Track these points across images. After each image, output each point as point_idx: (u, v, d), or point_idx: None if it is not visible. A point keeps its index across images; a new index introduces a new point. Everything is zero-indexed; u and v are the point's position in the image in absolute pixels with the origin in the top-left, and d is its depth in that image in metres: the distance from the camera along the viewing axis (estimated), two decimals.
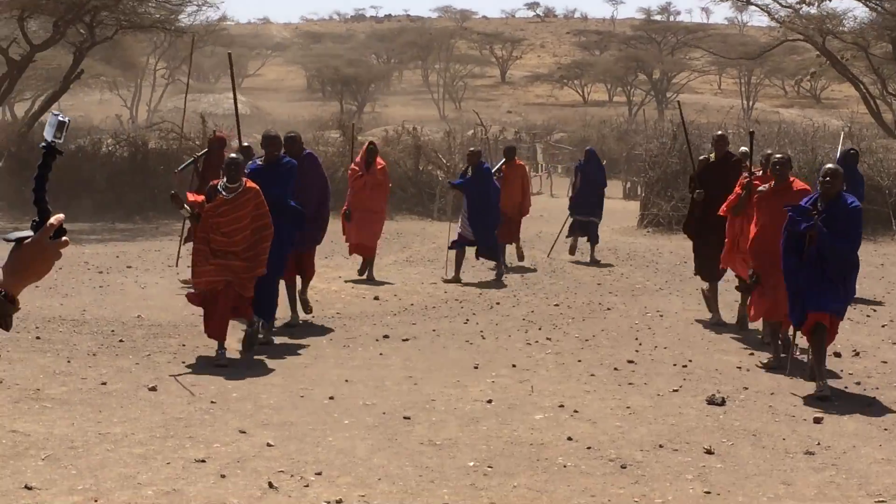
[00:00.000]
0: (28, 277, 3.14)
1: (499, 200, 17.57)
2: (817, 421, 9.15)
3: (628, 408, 9.50)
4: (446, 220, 27.67)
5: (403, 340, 12.32)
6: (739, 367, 11.24)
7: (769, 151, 13.30)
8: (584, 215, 20.15)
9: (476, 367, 10.99)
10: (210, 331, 11.00)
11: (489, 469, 7.71)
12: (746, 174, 12.49)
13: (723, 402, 9.67)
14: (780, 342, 11.45)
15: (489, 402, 9.60)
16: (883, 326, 13.67)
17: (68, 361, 10.64)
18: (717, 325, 13.46)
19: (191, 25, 44.35)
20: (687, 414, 9.34)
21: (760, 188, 11.56)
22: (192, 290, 11.33)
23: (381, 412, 9.19)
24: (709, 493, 7.30)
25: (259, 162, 12.30)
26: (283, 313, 12.99)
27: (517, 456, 8.04)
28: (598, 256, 20.12)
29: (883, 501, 7.17)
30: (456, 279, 16.99)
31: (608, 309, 14.67)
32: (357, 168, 17.40)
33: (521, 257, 19.35)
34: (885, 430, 9.00)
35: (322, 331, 12.88)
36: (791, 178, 11.52)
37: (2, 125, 30.82)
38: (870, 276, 17.19)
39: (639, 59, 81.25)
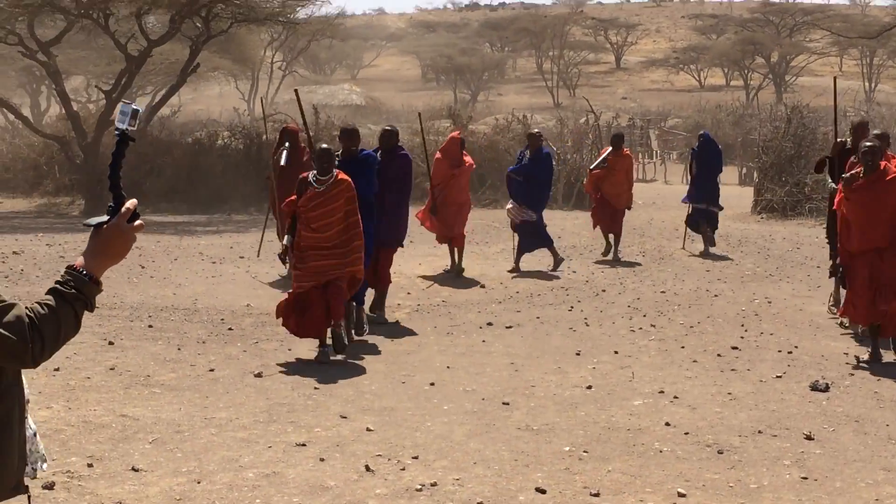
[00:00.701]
0: (109, 260, 3.31)
1: (548, 187, 17.29)
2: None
3: (729, 394, 9.45)
4: (556, 207, 27.71)
5: (507, 328, 12.40)
6: (846, 354, 11.08)
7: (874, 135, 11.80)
8: (703, 203, 19.15)
9: (578, 354, 11.02)
10: (304, 332, 10.72)
11: (585, 454, 7.76)
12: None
13: (826, 389, 9.56)
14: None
15: (589, 387, 9.63)
16: None
17: (178, 349, 10.94)
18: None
19: (309, 18, 45.05)
20: (789, 400, 9.26)
21: (845, 176, 10.83)
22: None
23: (480, 398, 9.28)
24: (806, 478, 7.25)
25: (336, 153, 11.82)
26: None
27: (613, 441, 8.07)
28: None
29: None
30: (516, 268, 16.71)
31: (715, 296, 14.56)
32: (442, 159, 16.53)
33: (615, 247, 18.36)
34: None
35: (427, 319, 13.01)
36: (883, 165, 10.60)
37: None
38: None
39: (756, 42, 79.95)
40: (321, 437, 8.10)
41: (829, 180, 12.71)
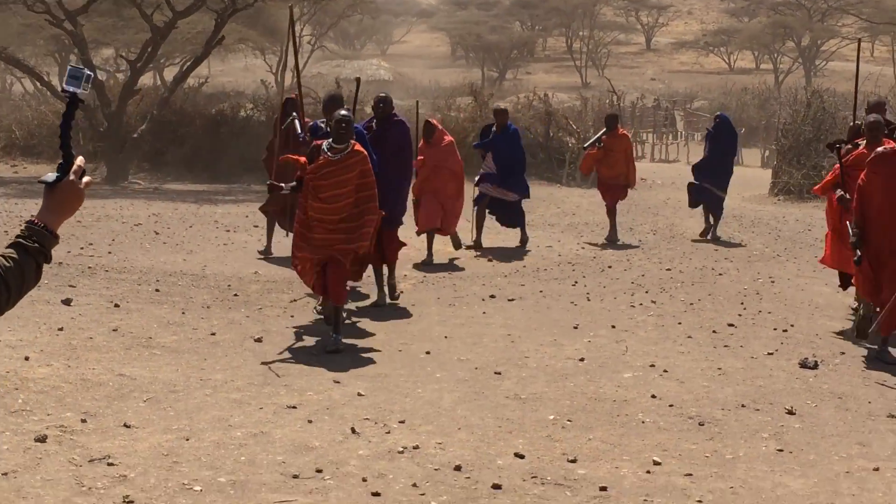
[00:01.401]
0: (63, 215, 3.48)
1: (524, 167, 16.92)
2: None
3: (719, 369, 9.59)
4: (575, 185, 27.84)
5: (509, 300, 12.55)
6: (841, 333, 11.20)
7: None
8: (709, 183, 18.43)
9: (576, 328, 11.17)
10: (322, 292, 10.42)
11: (568, 422, 7.92)
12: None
13: (815, 366, 9.69)
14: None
15: (581, 360, 9.79)
16: None
17: (183, 313, 11.16)
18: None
19: None
20: (777, 376, 9.39)
21: (879, 150, 10.30)
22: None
23: (473, 367, 9.46)
24: (781, 450, 7.40)
25: (322, 124, 11.59)
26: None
27: (598, 411, 8.23)
28: (720, 232, 18.59)
29: None
30: (478, 243, 16.38)
31: (720, 274, 14.66)
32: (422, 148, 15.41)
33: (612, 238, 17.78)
34: None
35: (432, 290, 13.19)
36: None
37: (147, 90, 31.80)
38: None
39: (787, 26, 79.44)
40: (312, 400, 8.29)
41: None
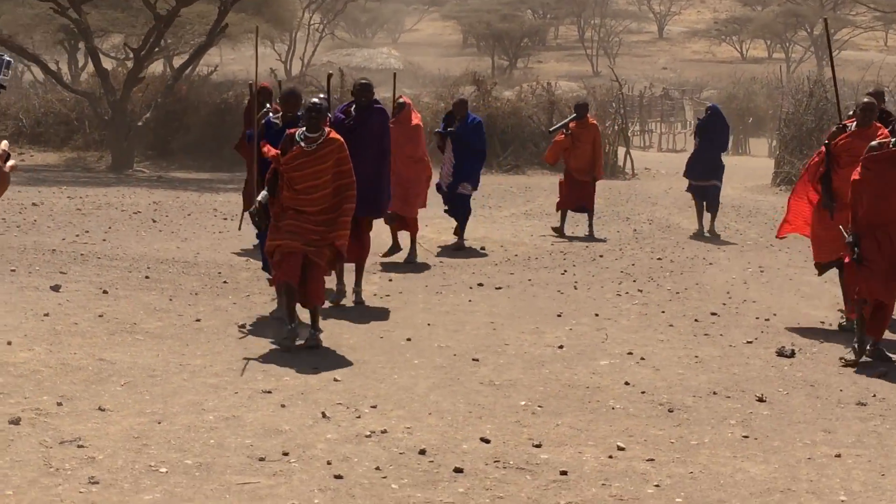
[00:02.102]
0: None
1: (484, 158, 16.18)
2: (881, 375, 9.18)
3: (696, 357, 9.68)
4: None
5: (496, 289, 12.65)
6: (822, 322, 11.27)
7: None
8: (702, 179, 17.87)
9: (559, 316, 11.26)
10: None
11: (539, 408, 8.02)
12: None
13: (792, 355, 9.77)
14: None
15: (560, 347, 9.89)
16: None
17: (170, 300, 11.29)
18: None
19: None
20: (752, 364, 9.48)
21: (873, 144, 9.76)
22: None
23: (452, 354, 9.56)
24: (747, 437, 7.49)
25: (275, 120, 10.91)
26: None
27: (570, 398, 8.33)
28: (720, 227, 17.98)
29: None
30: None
31: (710, 264, 14.75)
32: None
33: (591, 229, 17.36)
34: None
35: (421, 278, 13.29)
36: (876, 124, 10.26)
37: (152, 78, 31.95)
38: None
39: (799, 15, 79.22)
40: (288, 385, 8.41)
41: None
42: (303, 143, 9.71)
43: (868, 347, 9.64)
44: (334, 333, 10.23)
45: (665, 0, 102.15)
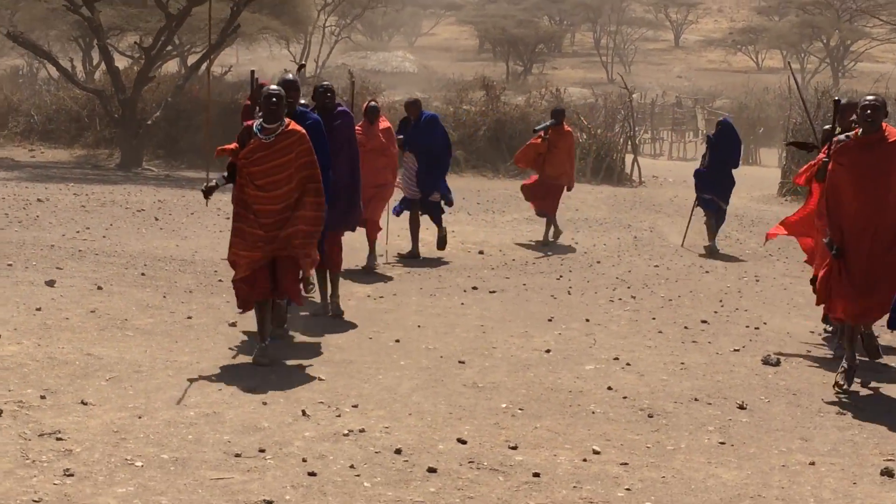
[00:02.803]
0: None
1: (449, 153, 15.46)
2: (864, 385, 9.21)
3: (682, 363, 9.71)
4: (585, 181, 27.94)
5: (490, 292, 12.71)
6: (812, 332, 11.29)
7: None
8: (710, 193, 17.07)
9: (550, 320, 11.31)
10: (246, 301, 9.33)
11: (519, 411, 8.07)
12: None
13: (777, 363, 9.80)
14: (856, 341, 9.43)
15: (547, 351, 9.94)
16: None
17: (164, 297, 11.37)
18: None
19: None
20: (737, 372, 9.51)
21: (839, 138, 9.31)
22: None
23: (439, 356, 9.62)
24: (723, 443, 7.53)
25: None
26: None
27: (551, 401, 8.38)
28: (719, 244, 17.09)
29: (892, 460, 7.28)
30: (414, 253, 15.05)
31: (706, 272, 14.78)
32: (360, 131, 13.30)
33: (557, 235, 17.10)
34: None
35: (416, 280, 13.36)
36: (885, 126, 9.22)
37: (163, 77, 32.13)
38: None
39: (815, 26, 79.10)
40: (272, 383, 8.48)
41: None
42: (260, 136, 9.00)
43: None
44: (324, 333, 10.30)
45: (682, 9, 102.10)
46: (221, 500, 6.04)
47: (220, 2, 31.71)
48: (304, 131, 9.16)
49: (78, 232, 15.15)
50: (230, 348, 9.51)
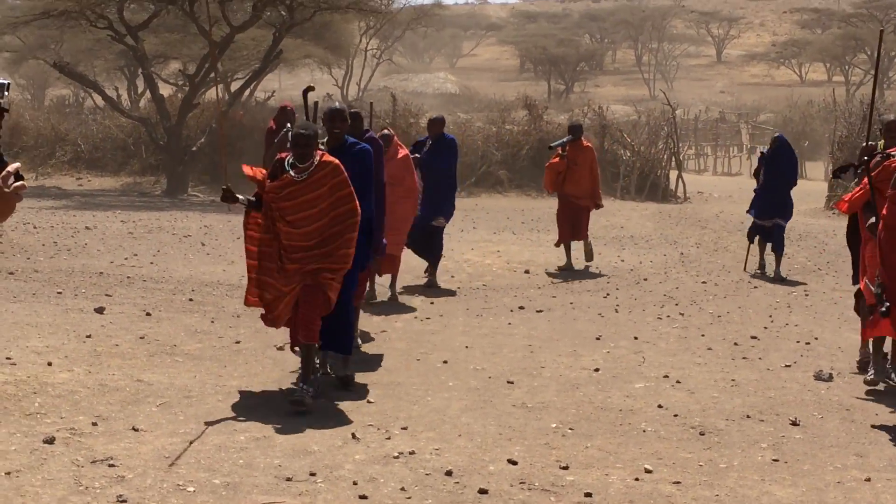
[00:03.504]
0: None
1: (455, 185, 14.61)
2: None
3: (733, 380, 9.63)
4: (629, 198, 27.87)
5: (537, 312, 12.68)
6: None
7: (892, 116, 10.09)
8: (767, 218, 15.91)
9: (598, 339, 11.26)
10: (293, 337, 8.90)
11: (570, 431, 8.03)
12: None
13: (830, 378, 9.70)
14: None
15: (596, 370, 9.88)
16: None
17: (212, 322, 11.42)
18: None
19: (403, 7, 45.48)
20: (789, 388, 9.42)
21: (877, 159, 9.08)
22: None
23: (487, 376, 9.59)
24: (777, 460, 7.45)
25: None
26: None
27: (602, 420, 8.33)
28: (784, 271, 16.00)
29: None
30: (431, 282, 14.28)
31: (755, 287, 14.69)
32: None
33: (589, 256, 16.28)
34: None
35: (463, 301, 13.35)
36: None
37: (207, 104, 32.41)
38: None
39: (858, 38, 78.59)
40: (321, 406, 8.48)
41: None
42: (292, 173, 8.50)
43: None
44: (371, 356, 10.31)
45: (723, 23, 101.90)
46: None
47: (263, 29, 32.02)
48: (337, 162, 8.53)
49: (126, 259, 15.27)
50: (281, 378, 9.51)
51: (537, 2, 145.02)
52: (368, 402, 8.65)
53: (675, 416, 8.47)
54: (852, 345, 11.20)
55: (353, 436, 7.68)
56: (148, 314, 11.55)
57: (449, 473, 6.94)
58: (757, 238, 16.14)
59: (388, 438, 7.70)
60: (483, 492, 6.65)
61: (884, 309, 8.58)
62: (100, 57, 42.88)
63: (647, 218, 23.40)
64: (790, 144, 16.67)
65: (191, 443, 7.40)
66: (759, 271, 15.87)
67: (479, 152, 28.96)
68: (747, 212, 16.70)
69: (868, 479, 7.07)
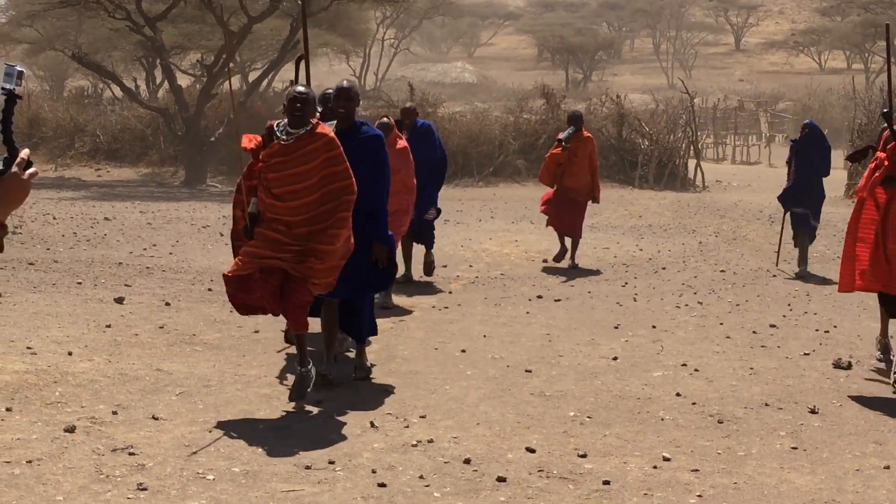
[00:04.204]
0: (10, 206, 3.64)
1: (445, 165, 13.86)
2: None
3: (751, 368, 9.62)
4: (647, 187, 27.81)
5: (555, 301, 12.68)
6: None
7: None
8: (800, 206, 15.24)
9: (616, 328, 11.26)
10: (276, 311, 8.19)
11: (588, 419, 8.04)
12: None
13: (849, 367, 9.68)
14: None
15: (615, 359, 9.89)
16: None
17: (231, 311, 11.37)
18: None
19: None
20: (808, 376, 9.41)
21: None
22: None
23: (505, 365, 9.60)
24: (795, 448, 7.44)
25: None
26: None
27: (620, 409, 8.33)
28: (811, 266, 15.34)
29: None
30: (406, 276, 13.50)
31: (773, 276, 14.66)
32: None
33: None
34: None
35: (481, 290, 13.36)
36: None
37: (225, 94, 32.49)
38: None
39: (878, 25, 78.04)
40: (339, 396, 8.51)
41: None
42: (282, 137, 7.93)
43: None
44: (390, 345, 10.34)
45: (742, 11, 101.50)
46: None
47: (280, 19, 32.07)
48: (333, 136, 7.99)
49: (145, 249, 15.33)
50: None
51: None
52: (387, 390, 8.67)
53: (693, 404, 8.46)
54: (871, 333, 11.16)
55: (372, 424, 7.70)
56: (167, 304, 11.60)
57: (467, 462, 6.96)
58: (797, 234, 15.26)
59: (407, 427, 7.72)
60: (501, 480, 6.66)
61: None
62: (118, 48, 42.99)
63: (666, 207, 23.35)
64: (821, 130, 15.68)
65: (210, 431, 7.44)
66: (801, 270, 14.99)
67: (496, 142, 28.95)
68: (780, 199, 15.60)
69: (887, 467, 7.05)
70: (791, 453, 7.35)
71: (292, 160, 7.87)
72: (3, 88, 3.62)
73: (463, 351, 10.09)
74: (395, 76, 64.12)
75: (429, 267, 13.72)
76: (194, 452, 6.97)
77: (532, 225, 19.62)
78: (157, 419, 7.66)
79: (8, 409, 7.67)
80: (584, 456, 7.16)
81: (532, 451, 7.23)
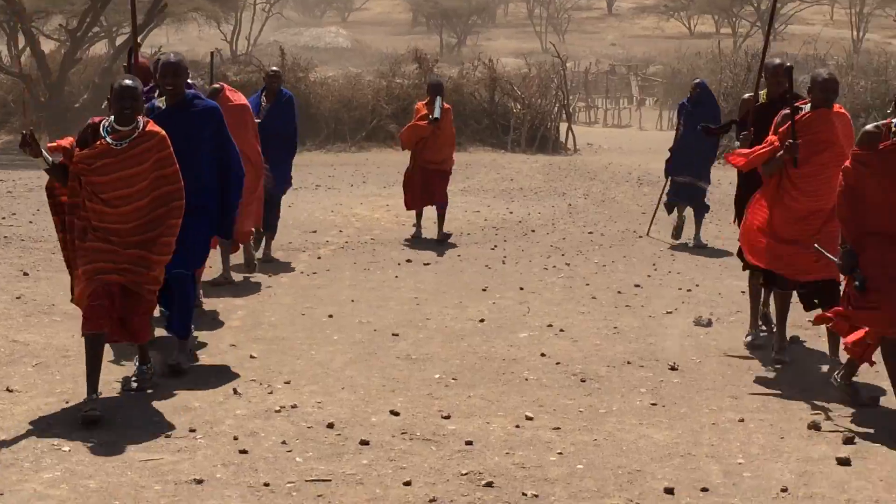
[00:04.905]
0: None
1: (293, 145, 13.00)
2: (794, 341, 9.31)
3: (615, 328, 9.75)
4: (520, 150, 27.95)
5: (424, 265, 12.69)
6: (744, 292, 11.33)
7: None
8: (687, 176, 14.59)
9: (484, 290, 11.31)
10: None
11: (452, 381, 8.07)
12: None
13: (709, 324, 9.88)
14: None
15: (481, 321, 9.93)
16: None
17: None
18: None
19: None
20: (669, 334, 9.57)
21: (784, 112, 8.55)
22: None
23: (372, 329, 9.58)
24: (655, 404, 7.57)
25: (159, 104, 8.25)
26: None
27: (485, 370, 8.38)
28: (706, 237, 14.65)
29: (818, 414, 7.37)
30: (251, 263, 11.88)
31: (640, 237, 14.84)
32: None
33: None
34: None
35: (350, 255, 13.29)
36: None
37: (91, 59, 31.74)
38: None
39: None
40: (203, 362, 8.41)
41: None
42: (109, 139, 7.20)
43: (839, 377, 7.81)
44: (256, 310, 10.24)
45: None
46: (151, 481, 5.98)
47: None
48: (164, 134, 7.32)
49: (3, 218, 14.94)
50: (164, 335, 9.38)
51: None
52: (251, 357, 8.59)
53: (558, 364, 8.55)
54: (732, 291, 11.42)
55: (235, 391, 7.63)
56: (25, 274, 11.32)
57: (331, 426, 6.94)
58: (676, 204, 14.76)
59: (271, 393, 7.66)
60: (364, 443, 6.65)
61: (857, 284, 7.36)
62: None
63: (537, 170, 23.51)
64: (710, 91, 15.15)
65: (67, 402, 7.28)
66: (674, 239, 14.57)
67: (368, 106, 28.78)
68: (665, 170, 14.94)
69: (741, 420, 7.22)
70: (650, 409, 7.48)
71: (123, 162, 7.17)
72: None
73: (330, 316, 10.03)
74: (267, 41, 63.28)
75: (249, 263, 11.89)
76: (49, 424, 6.82)
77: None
78: (11, 391, 7.49)
79: None
80: (447, 417, 7.19)
81: (396, 413, 7.23)
